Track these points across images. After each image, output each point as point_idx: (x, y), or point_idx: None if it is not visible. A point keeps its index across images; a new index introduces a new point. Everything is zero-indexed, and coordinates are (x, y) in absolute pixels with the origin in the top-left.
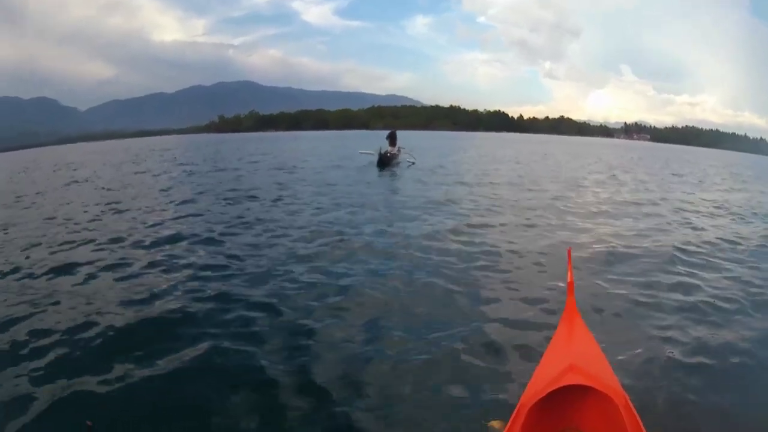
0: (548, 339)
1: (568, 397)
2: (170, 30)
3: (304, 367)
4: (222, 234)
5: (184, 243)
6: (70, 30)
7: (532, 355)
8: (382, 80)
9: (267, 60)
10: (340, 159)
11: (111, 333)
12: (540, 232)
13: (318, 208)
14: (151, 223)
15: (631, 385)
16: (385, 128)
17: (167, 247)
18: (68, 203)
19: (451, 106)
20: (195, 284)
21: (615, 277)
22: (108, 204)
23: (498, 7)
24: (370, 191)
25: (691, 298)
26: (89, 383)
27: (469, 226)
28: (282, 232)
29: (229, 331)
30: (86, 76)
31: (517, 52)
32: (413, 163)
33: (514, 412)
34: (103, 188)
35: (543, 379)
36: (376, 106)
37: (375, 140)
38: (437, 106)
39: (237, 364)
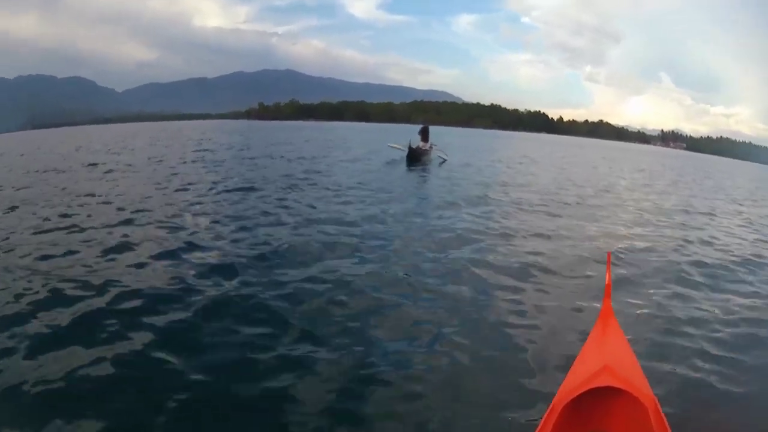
0: (582, 341)
1: (599, 399)
2: (212, 15)
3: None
4: (196, 230)
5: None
6: (107, 10)
7: (565, 356)
8: (424, 75)
9: (310, 50)
10: (369, 152)
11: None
12: (569, 238)
13: (315, 205)
14: (123, 212)
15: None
16: (424, 123)
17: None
18: (63, 188)
19: (492, 104)
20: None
21: (632, 288)
22: (110, 189)
23: (541, 9)
24: (391, 187)
25: (704, 316)
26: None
27: (498, 230)
28: (261, 231)
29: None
30: (125, 57)
31: (559, 54)
32: (445, 161)
33: (547, 411)
34: (106, 172)
35: (576, 379)
36: (418, 100)
37: (413, 135)
38: (478, 104)
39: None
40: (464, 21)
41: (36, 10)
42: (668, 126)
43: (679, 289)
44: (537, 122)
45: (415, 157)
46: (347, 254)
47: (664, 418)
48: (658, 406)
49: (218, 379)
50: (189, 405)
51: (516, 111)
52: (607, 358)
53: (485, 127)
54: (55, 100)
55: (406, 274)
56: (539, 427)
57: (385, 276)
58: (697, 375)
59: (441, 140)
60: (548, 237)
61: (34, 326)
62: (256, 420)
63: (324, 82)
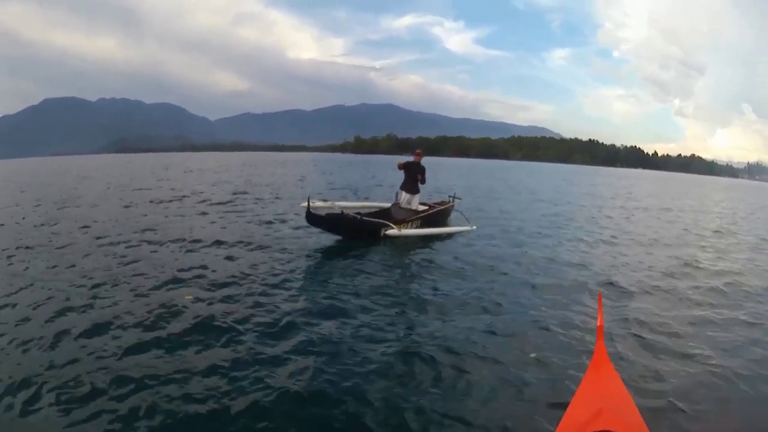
0: (577, 384)
1: None
2: (306, 48)
3: None
4: None
5: None
6: (196, 38)
7: (560, 400)
8: (523, 111)
9: (409, 85)
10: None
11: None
12: None
13: None
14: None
15: None
16: (522, 159)
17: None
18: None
19: (590, 139)
20: None
21: None
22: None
23: (630, 42)
24: None
25: None
26: None
27: None
28: None
29: None
30: (217, 86)
31: (649, 88)
32: (466, 231)
33: None
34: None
35: (570, 425)
36: (516, 136)
37: (501, 172)
38: (576, 139)
39: None
40: (557, 56)
41: (115, 34)
42: (752, 158)
43: None
44: (633, 157)
45: (372, 229)
46: None
47: None
48: None
49: None
50: None
51: (613, 146)
52: (602, 401)
53: (583, 162)
54: (141, 125)
55: None
56: None
57: None
58: None
59: (534, 181)
60: None
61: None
62: None
63: (423, 117)
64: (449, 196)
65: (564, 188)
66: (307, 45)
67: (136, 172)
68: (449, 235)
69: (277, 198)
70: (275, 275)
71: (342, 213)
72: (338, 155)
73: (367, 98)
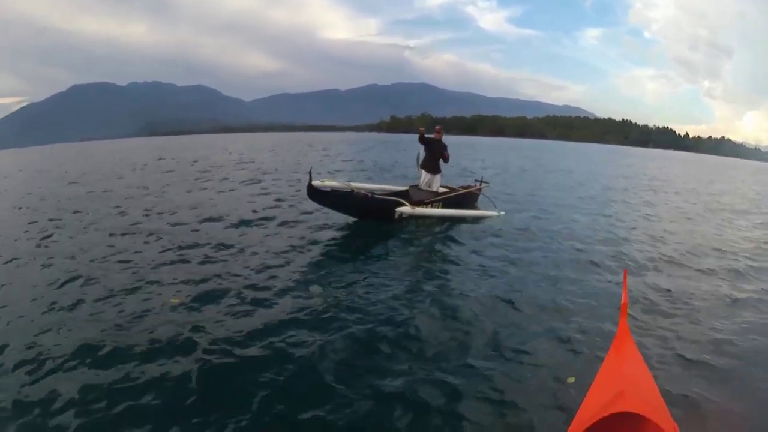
0: (599, 363)
1: (616, 425)
2: (339, 28)
3: None
4: None
5: None
6: (228, 20)
7: (582, 379)
8: (557, 90)
9: (443, 64)
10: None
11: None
12: None
13: None
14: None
15: None
16: (557, 139)
17: None
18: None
19: (623, 120)
20: None
21: None
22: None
23: (659, 22)
24: None
25: None
26: None
27: None
28: None
29: None
30: (250, 68)
31: (678, 68)
32: (492, 217)
33: None
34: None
35: (593, 405)
36: (551, 115)
37: (536, 152)
38: (610, 119)
39: None
40: (590, 35)
41: (147, 19)
42: None
43: None
44: (665, 139)
45: (384, 210)
46: None
47: None
48: (678, 431)
49: None
50: None
51: (646, 126)
52: (623, 381)
53: (617, 143)
54: (173, 108)
55: None
56: None
57: None
58: None
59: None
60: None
61: None
62: None
63: (458, 96)
64: (476, 180)
65: (598, 169)
66: (340, 25)
67: (161, 155)
68: (472, 219)
69: (298, 180)
70: (276, 255)
71: (352, 191)
72: (374, 134)
73: (401, 77)
